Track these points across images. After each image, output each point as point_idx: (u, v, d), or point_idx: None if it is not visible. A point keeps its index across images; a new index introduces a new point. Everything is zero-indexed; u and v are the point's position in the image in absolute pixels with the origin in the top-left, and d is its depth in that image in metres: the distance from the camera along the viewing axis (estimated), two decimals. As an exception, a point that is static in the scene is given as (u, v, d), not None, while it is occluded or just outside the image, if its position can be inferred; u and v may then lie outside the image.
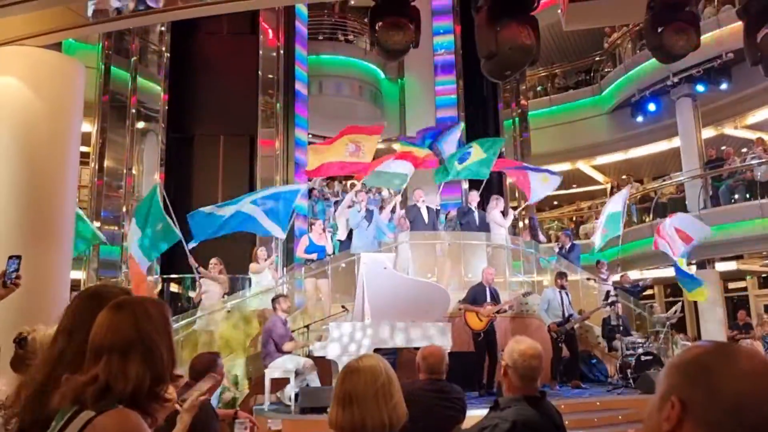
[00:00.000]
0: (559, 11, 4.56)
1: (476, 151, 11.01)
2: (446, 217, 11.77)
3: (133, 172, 11.85)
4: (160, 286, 11.38)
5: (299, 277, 10.18)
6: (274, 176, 12.66)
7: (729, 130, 16.87)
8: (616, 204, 11.85)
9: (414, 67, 14.52)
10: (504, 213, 11.25)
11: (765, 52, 4.41)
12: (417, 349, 5.44)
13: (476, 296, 8.72)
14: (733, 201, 14.08)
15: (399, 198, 10.94)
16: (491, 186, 11.87)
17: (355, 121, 15.36)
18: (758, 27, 4.77)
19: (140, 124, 12.12)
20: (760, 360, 0.97)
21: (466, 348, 8.73)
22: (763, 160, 13.81)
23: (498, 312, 8.66)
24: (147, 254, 8.73)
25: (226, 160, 12.86)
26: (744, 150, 15.47)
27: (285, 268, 11.85)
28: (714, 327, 14.11)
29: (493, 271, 9.18)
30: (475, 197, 11.09)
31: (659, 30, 4.61)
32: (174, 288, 12.07)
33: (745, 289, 18.05)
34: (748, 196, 13.80)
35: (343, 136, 10.31)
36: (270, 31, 13.19)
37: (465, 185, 13.51)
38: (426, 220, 10.30)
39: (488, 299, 8.66)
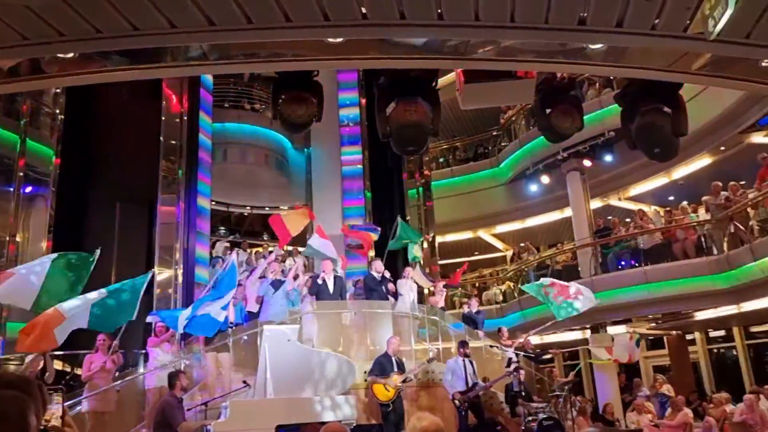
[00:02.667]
0: (456, 91, 4.81)
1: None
2: (354, 285, 11.79)
3: (17, 239, 11.03)
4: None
5: (198, 350, 9.70)
6: (174, 244, 12.20)
7: (614, 201, 18.18)
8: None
9: (320, 137, 14.73)
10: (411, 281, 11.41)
11: (639, 137, 4.83)
12: (322, 424, 5.27)
13: (383, 367, 8.66)
14: (620, 267, 15.01)
15: (299, 263, 10.87)
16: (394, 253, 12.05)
17: (259, 189, 15.30)
18: (634, 112, 5.23)
19: (28, 189, 11.40)
20: None
21: (375, 420, 8.57)
22: (645, 230, 14.92)
23: (405, 381, 8.61)
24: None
25: (122, 228, 12.27)
26: (628, 220, 16.66)
27: (183, 342, 11.28)
28: (608, 388, 14.68)
29: (398, 340, 9.17)
30: (380, 266, 11.19)
31: (547, 112, 4.96)
32: (58, 365, 11.11)
33: (635, 351, 19.01)
34: (633, 262, 14.76)
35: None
36: (174, 96, 13.01)
37: (371, 252, 13.58)
38: (331, 290, 10.24)
39: (395, 369, 8.61)
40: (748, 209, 13.13)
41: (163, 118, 12.75)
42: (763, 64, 4.24)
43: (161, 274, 11.99)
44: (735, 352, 16.98)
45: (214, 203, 13.88)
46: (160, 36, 3.44)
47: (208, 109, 13.65)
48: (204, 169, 13.12)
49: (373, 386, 8.54)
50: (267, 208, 15.66)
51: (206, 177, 13.17)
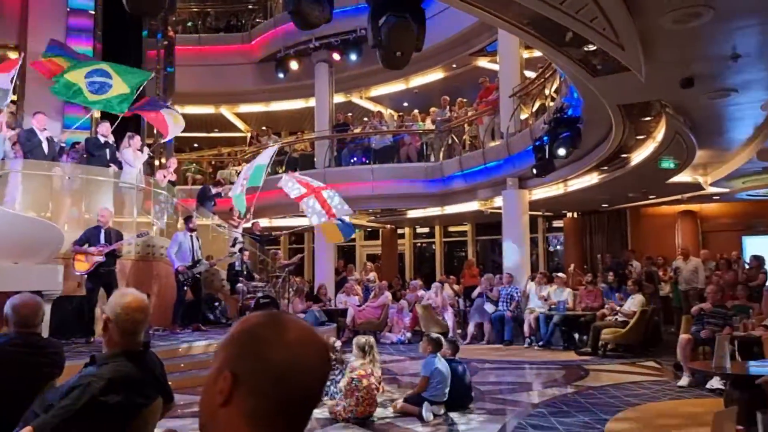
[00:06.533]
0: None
1: (117, 85, 10.22)
2: (72, 148, 10.57)
3: None
4: None
5: None
6: None
7: (356, 99, 18.96)
8: (264, 158, 12.40)
9: (43, -34, 12.33)
10: (141, 151, 10.58)
11: (383, 39, 5.01)
12: (18, 293, 4.77)
13: (90, 238, 8.19)
14: (351, 163, 15.97)
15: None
16: (125, 119, 10.95)
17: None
18: (381, 13, 5.38)
19: None
20: (307, 331, 1.02)
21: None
22: (377, 131, 15.97)
23: (114, 254, 8.26)
24: None
25: None
26: (365, 119, 17.59)
27: None
28: (325, 271, 15.89)
29: (109, 211, 8.61)
30: (107, 129, 10.16)
31: (299, -4, 4.81)
32: None
33: (354, 240, 20.81)
34: (364, 159, 15.81)
35: None
36: None
37: (97, 114, 12.20)
38: (46, 151, 9.07)
39: (102, 241, 8.20)
40: (465, 125, 14.85)
41: None
42: (495, -5, 4.65)
43: None
44: (434, 247, 19.67)
45: None
46: None
47: None
48: None
49: (75, 256, 8.08)
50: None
51: None
